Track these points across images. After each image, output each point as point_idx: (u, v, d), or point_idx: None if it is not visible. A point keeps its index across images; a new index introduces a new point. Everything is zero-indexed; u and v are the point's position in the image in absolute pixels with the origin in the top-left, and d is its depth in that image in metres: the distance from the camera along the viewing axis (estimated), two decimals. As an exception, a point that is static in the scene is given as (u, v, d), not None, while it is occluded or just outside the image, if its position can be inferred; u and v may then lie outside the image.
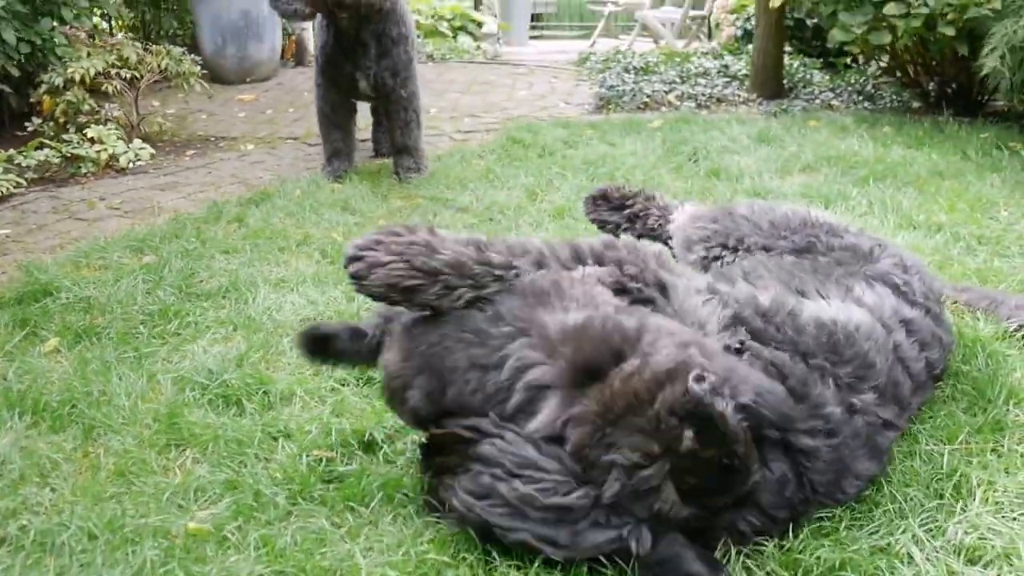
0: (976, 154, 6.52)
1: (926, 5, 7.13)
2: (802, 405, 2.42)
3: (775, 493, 2.31)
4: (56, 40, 7.12)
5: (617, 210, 4.17)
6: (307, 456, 2.92)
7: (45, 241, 5.21)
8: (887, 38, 7.46)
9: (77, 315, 4.08)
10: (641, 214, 4.09)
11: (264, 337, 3.81)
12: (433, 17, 15.03)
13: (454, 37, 14.79)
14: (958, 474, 2.65)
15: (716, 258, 3.44)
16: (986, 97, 8.15)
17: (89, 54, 6.90)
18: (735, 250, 3.41)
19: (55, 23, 7.26)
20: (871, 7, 7.50)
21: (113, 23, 10.66)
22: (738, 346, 2.55)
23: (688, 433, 2.10)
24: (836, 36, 7.76)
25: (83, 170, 6.54)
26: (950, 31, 7.14)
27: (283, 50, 11.48)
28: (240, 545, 2.51)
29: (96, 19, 8.51)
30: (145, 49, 7.39)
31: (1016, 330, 3.53)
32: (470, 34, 15.36)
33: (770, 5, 8.44)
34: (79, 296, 4.25)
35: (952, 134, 7.22)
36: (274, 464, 2.90)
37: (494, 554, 2.32)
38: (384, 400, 2.82)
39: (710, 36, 14.80)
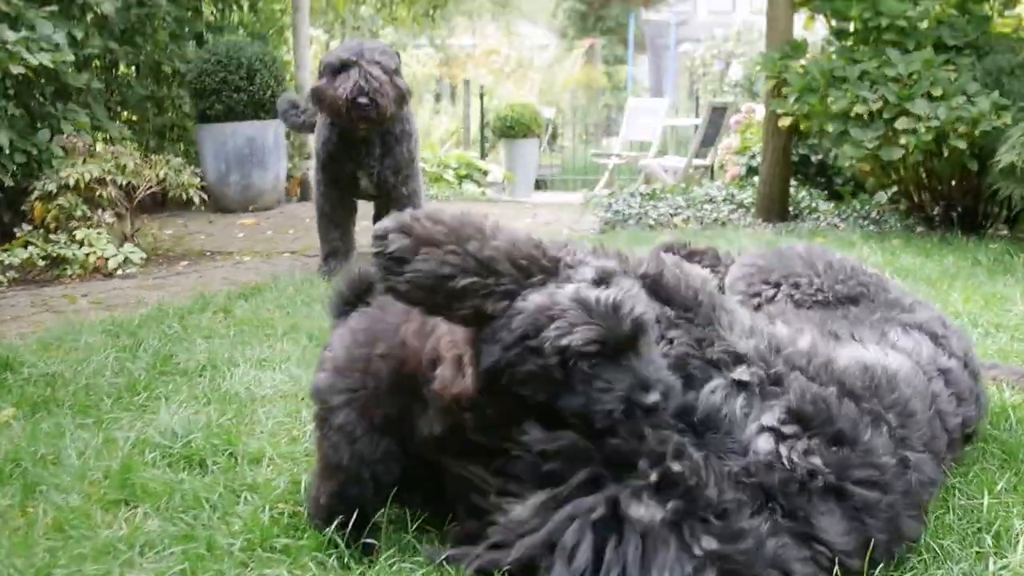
0: (987, 259, 6.40)
1: (937, 119, 7.06)
2: (853, 451, 2.15)
3: (841, 535, 2.06)
4: (53, 151, 7.01)
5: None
6: (271, 509, 2.58)
7: (17, 329, 4.94)
8: (898, 153, 7.37)
9: (38, 388, 3.77)
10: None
11: (238, 407, 3.50)
12: (439, 165, 15.13)
13: (459, 184, 14.85)
14: (996, 525, 2.41)
15: (755, 294, 3.18)
16: (991, 222, 8.04)
17: (85, 161, 6.75)
18: (777, 285, 3.16)
19: (52, 135, 7.17)
20: (882, 123, 7.43)
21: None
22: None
23: None
24: (847, 152, 7.67)
25: (68, 271, 6.30)
26: (962, 144, 7.06)
27: (287, 188, 11.44)
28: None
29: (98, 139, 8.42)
30: (144, 159, 7.26)
31: None
32: (475, 182, 15.44)
33: (779, 124, 8.39)
34: (43, 372, 3.96)
35: (960, 246, 7.11)
36: (233, 517, 2.55)
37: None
38: None
39: (712, 179, 14.86)
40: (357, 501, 2.34)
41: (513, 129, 17.52)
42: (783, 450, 2.06)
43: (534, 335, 1.92)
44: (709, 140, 14.69)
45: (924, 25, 7.95)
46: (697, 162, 15.02)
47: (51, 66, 6.65)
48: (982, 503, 2.50)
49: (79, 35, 7.73)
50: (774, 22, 8.73)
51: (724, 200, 10.01)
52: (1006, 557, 2.25)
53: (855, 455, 2.12)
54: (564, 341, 1.90)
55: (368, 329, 2.41)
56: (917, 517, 2.27)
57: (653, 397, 1.93)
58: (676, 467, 1.94)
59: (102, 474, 2.86)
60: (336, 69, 5.74)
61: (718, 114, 14.53)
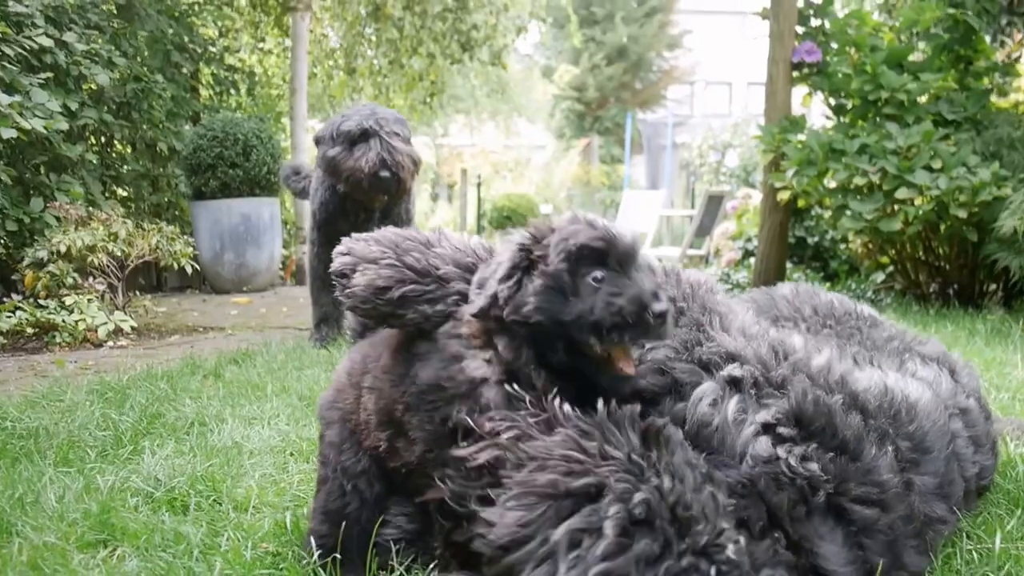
0: (984, 329, 6.36)
1: (938, 188, 7.10)
2: (855, 465, 2.05)
3: (842, 563, 1.94)
4: (46, 220, 7.00)
5: None
6: (254, 548, 2.49)
7: (3, 389, 4.84)
8: (897, 225, 7.38)
9: (21, 441, 3.67)
10: None
11: (225, 458, 3.41)
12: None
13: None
14: (1006, 569, 2.31)
15: None
16: (987, 298, 8.04)
17: (77, 228, 6.72)
18: None
19: (46, 204, 7.16)
20: (882, 195, 7.47)
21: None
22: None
23: None
24: (845, 225, 7.69)
25: (57, 339, 6.23)
26: (962, 213, 7.07)
27: (283, 269, 11.43)
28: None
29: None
30: (137, 227, 7.23)
31: None
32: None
33: (778, 199, 8.42)
34: (27, 427, 3.87)
35: (957, 319, 7.07)
36: (215, 555, 2.45)
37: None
38: None
39: (708, 267, 14.89)
40: (340, 515, 2.31)
41: (510, 220, 17.65)
42: (781, 453, 1.97)
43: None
44: (705, 229, 14.74)
45: (923, 99, 8.05)
46: (692, 252, 15.05)
47: (44, 131, 6.64)
48: (991, 546, 2.42)
49: (74, 106, 7.75)
50: (772, 98, 8.82)
51: (719, 280, 10.00)
52: None
53: (854, 468, 2.02)
54: (572, 242, 1.93)
55: (364, 359, 2.39)
56: (921, 549, 2.14)
57: (662, 305, 1.89)
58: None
59: (81, 515, 2.76)
60: (354, 139, 5.67)
61: (714, 203, 14.61)
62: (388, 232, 2.34)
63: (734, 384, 2.10)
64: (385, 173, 5.56)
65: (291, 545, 2.56)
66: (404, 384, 2.15)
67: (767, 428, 2.01)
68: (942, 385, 2.58)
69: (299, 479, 3.17)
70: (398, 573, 2.27)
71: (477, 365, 2.02)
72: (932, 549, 2.24)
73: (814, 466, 1.97)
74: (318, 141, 5.95)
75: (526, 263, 1.99)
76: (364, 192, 5.69)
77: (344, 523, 2.28)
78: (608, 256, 1.93)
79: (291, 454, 3.52)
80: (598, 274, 1.92)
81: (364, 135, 5.64)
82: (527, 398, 1.95)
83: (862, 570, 1.98)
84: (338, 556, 2.28)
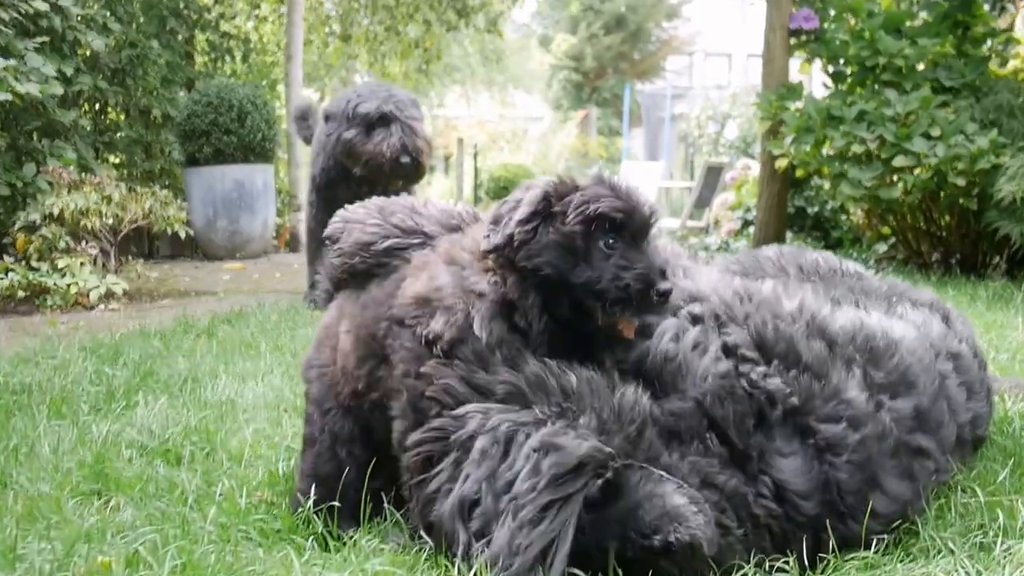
0: (986, 295, 6.37)
1: (935, 156, 7.08)
2: (820, 384, 2.09)
3: (797, 475, 1.99)
4: (39, 185, 6.96)
5: None
6: (248, 497, 2.49)
7: (-5, 349, 4.85)
8: (896, 192, 7.37)
9: (14, 395, 3.68)
10: None
11: (218, 412, 3.41)
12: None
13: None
14: (1001, 519, 2.28)
15: None
16: (990, 268, 8.04)
17: (70, 192, 6.69)
18: None
19: (39, 169, 7.13)
20: (880, 163, 7.45)
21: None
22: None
23: None
24: (844, 191, 7.67)
25: (49, 302, 6.22)
26: (961, 182, 7.05)
27: (277, 237, 11.41)
28: (156, 566, 2.05)
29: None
30: (130, 191, 7.20)
31: None
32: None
33: (776, 166, 8.42)
34: (19, 382, 3.87)
35: (959, 285, 7.06)
36: (209, 503, 2.46)
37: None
38: None
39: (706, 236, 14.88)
40: (333, 480, 2.33)
41: (507, 190, 17.57)
42: (743, 369, 2.04)
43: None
44: (704, 201, 14.66)
45: (921, 67, 8.02)
46: (691, 223, 15.02)
47: (39, 96, 6.61)
48: (984, 501, 2.39)
49: (69, 71, 7.71)
50: (770, 65, 8.80)
51: (719, 249, 10.03)
52: (1011, 549, 2.14)
53: (819, 387, 2.06)
54: (592, 208, 1.97)
55: (339, 309, 2.44)
56: (902, 475, 2.17)
57: (667, 285, 1.95)
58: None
59: (75, 465, 2.77)
60: (372, 122, 5.61)
61: (713, 174, 14.54)
62: (377, 199, 2.50)
63: (695, 320, 2.17)
64: (406, 159, 5.55)
65: (285, 494, 2.57)
66: (388, 304, 2.19)
67: (728, 352, 2.08)
68: (932, 328, 2.60)
69: (293, 433, 3.17)
70: (393, 520, 2.29)
71: (479, 279, 2.05)
72: (920, 483, 2.25)
73: (775, 380, 2.02)
74: (327, 117, 5.90)
75: (546, 213, 2.01)
76: (385, 177, 5.66)
77: (338, 487, 2.30)
78: (625, 228, 1.98)
79: (285, 410, 3.53)
80: (611, 241, 1.97)
81: (383, 119, 5.60)
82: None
83: (825, 486, 2.02)
84: (336, 504, 2.29)
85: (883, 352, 2.29)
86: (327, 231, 2.48)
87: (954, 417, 2.45)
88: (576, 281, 1.97)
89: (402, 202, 2.45)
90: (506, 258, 2.02)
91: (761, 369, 2.07)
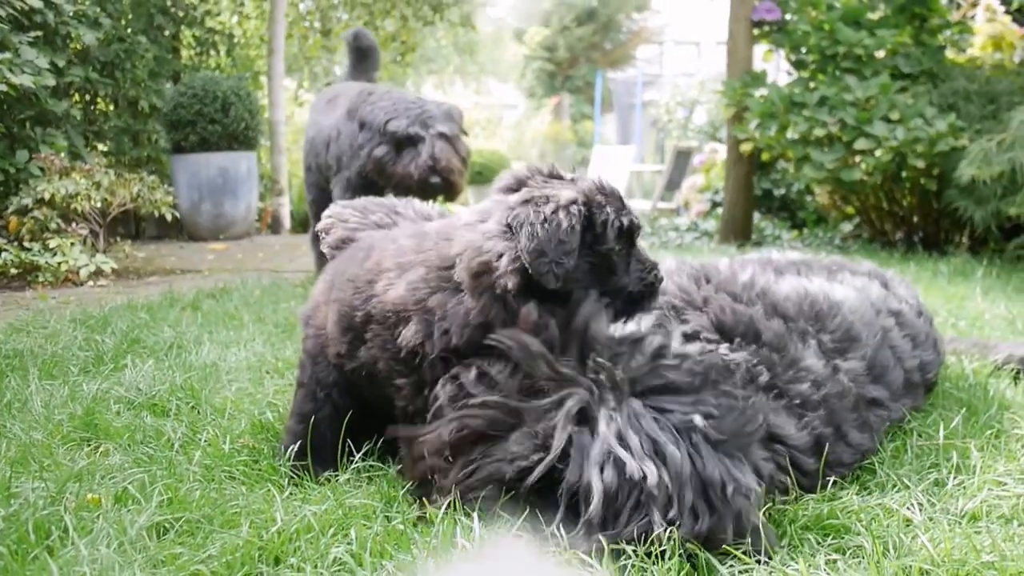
0: (948, 270, 6.56)
1: (895, 139, 7.26)
2: (780, 356, 2.28)
3: (791, 429, 2.18)
4: (31, 171, 7.11)
5: None
6: (232, 443, 2.65)
7: (-13, 319, 4.98)
8: (858, 174, 7.56)
9: (7, 359, 3.80)
10: None
11: (203, 373, 3.56)
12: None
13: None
14: (955, 459, 2.47)
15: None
16: (953, 246, 8.24)
17: (61, 177, 6.83)
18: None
19: (31, 156, 7.28)
20: (842, 147, 7.64)
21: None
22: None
23: None
24: (807, 174, 7.86)
25: (40, 279, 6.35)
26: (921, 163, 7.25)
27: (259, 220, 11.54)
28: (143, 502, 2.21)
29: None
30: (119, 177, 7.34)
31: (1004, 362, 3.50)
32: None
33: (741, 150, 8.60)
34: (12, 348, 3.99)
35: (922, 261, 7.26)
36: (195, 448, 2.62)
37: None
38: None
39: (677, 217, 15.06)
40: (311, 417, 2.50)
41: (482, 175, 17.73)
42: (708, 348, 2.19)
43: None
44: (674, 183, 14.87)
45: (880, 55, 8.22)
46: (662, 205, 15.20)
47: (32, 87, 6.77)
48: (939, 443, 2.59)
49: (61, 63, 7.88)
50: (734, 54, 9.02)
51: (688, 229, 10.22)
52: (965, 484, 2.32)
53: (779, 358, 2.23)
54: (623, 224, 2.13)
55: (328, 276, 2.64)
56: (862, 427, 2.36)
57: (662, 274, 2.21)
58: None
59: (66, 417, 2.92)
60: (400, 141, 5.49)
61: (683, 158, 14.75)
62: (362, 200, 2.91)
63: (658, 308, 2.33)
64: (435, 180, 5.42)
65: (267, 441, 2.73)
66: (365, 293, 2.36)
67: (690, 338, 2.25)
68: (871, 291, 2.82)
69: (274, 391, 3.32)
70: (371, 460, 2.45)
71: (462, 297, 2.18)
72: (876, 433, 2.45)
73: (740, 354, 2.18)
74: (362, 124, 5.73)
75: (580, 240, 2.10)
76: (415, 195, 5.56)
77: (315, 424, 2.48)
78: (636, 234, 2.19)
79: (267, 372, 3.67)
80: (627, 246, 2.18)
81: (411, 140, 5.47)
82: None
83: (812, 436, 2.20)
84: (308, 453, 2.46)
85: (827, 313, 2.50)
86: (319, 225, 2.88)
87: (900, 363, 2.68)
88: (604, 290, 2.14)
89: (385, 203, 2.84)
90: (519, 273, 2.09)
91: (724, 348, 2.24)
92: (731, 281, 2.56)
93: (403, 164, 5.46)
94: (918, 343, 2.83)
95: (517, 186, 2.23)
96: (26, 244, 6.61)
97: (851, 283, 2.82)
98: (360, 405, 2.52)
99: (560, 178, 2.23)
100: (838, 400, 2.30)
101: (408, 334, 2.20)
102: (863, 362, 2.47)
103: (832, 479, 2.28)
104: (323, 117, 6.24)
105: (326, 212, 2.91)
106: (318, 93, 6.57)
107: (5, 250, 6.49)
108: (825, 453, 2.23)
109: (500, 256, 2.08)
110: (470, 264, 2.13)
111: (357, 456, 2.46)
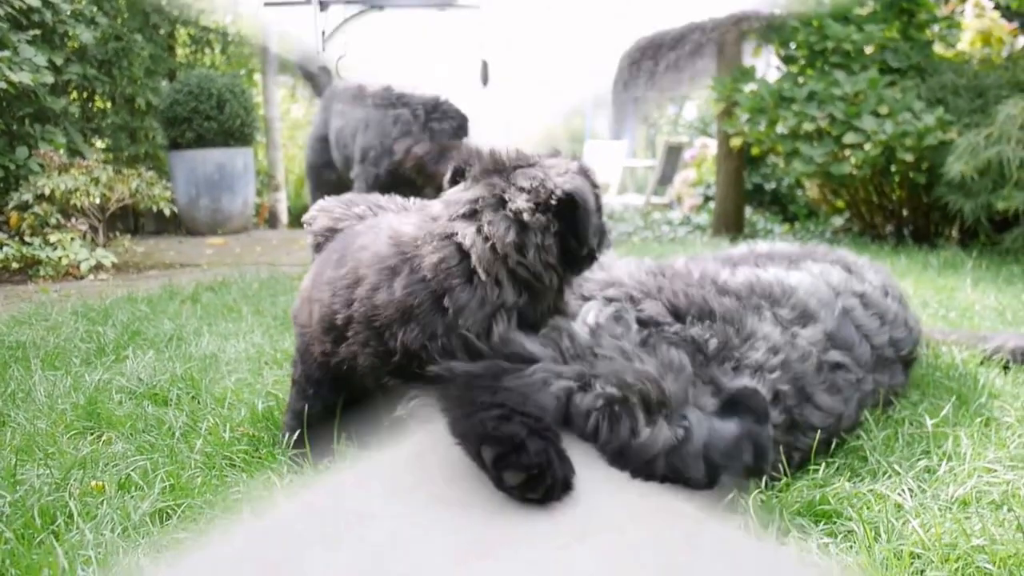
0: (937, 262, 6.63)
1: (884, 133, 7.32)
2: (735, 329, 2.35)
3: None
4: (31, 167, 7.18)
5: None
6: (232, 431, 2.71)
7: (-11, 312, 5.04)
8: (847, 168, 7.62)
9: (10, 351, 3.87)
10: None
11: (203, 363, 3.61)
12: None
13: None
14: (946, 444, 2.54)
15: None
16: (943, 239, 8.30)
17: (60, 173, 6.90)
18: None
19: (30, 153, 7.35)
20: (831, 141, 7.70)
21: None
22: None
23: None
24: (797, 168, 7.92)
25: (41, 273, 6.41)
26: (909, 157, 7.31)
27: (256, 215, 11.59)
28: (146, 488, 2.27)
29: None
30: (117, 172, 7.41)
31: (994, 352, 3.55)
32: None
33: (732, 145, 8.66)
34: (15, 340, 4.06)
35: (912, 253, 7.32)
36: (196, 437, 2.68)
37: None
38: None
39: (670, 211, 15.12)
40: (303, 414, 2.54)
41: (474, 166, 17.74)
42: (664, 330, 2.27)
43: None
44: (666, 178, 14.90)
45: (869, 50, 8.28)
46: (655, 200, 15.24)
47: (31, 84, 6.86)
48: (929, 431, 2.64)
49: (59, 61, 7.97)
50: (724, 49, 9.07)
51: (681, 223, 10.30)
52: (955, 471, 2.36)
53: (734, 331, 2.30)
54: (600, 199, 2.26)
55: (313, 271, 2.67)
56: (831, 391, 2.43)
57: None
58: None
59: (69, 407, 2.98)
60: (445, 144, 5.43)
61: (674, 153, 14.78)
62: (348, 195, 2.98)
63: (610, 302, 2.41)
64: None
65: (267, 429, 2.78)
66: (345, 297, 2.38)
67: (644, 323, 2.32)
68: (831, 276, 2.89)
69: (273, 381, 3.37)
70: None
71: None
72: (845, 394, 2.51)
73: (694, 330, 2.25)
74: (396, 119, 5.66)
75: None
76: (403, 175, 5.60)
77: (308, 421, 2.52)
78: None
79: (265, 362, 3.72)
80: None
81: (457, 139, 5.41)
82: None
83: (771, 392, 2.25)
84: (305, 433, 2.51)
85: (780, 295, 2.58)
86: (304, 217, 2.90)
87: (867, 339, 2.74)
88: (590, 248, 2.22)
89: (371, 198, 2.92)
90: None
91: (678, 326, 2.30)
92: (686, 275, 2.64)
93: (444, 167, 5.38)
94: (887, 321, 2.89)
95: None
96: (27, 239, 6.69)
97: (809, 269, 2.89)
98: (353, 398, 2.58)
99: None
100: (800, 363, 2.36)
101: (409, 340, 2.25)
102: (823, 334, 2.54)
103: (822, 463, 2.34)
104: (349, 108, 6.13)
105: (314, 205, 2.94)
106: (328, 88, 6.54)
107: (6, 245, 6.57)
108: (789, 410, 2.29)
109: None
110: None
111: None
